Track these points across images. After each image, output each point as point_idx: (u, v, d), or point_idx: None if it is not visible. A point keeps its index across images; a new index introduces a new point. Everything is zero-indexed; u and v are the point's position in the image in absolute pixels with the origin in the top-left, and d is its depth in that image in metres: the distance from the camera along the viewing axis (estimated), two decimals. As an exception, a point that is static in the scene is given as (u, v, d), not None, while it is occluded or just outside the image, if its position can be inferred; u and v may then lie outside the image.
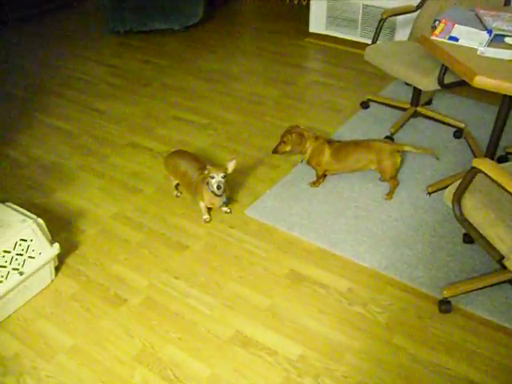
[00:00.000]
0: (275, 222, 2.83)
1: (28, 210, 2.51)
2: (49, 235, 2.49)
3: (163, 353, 2.19)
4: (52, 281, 2.56)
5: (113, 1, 5.20)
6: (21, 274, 2.35)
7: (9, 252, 2.30)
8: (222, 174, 2.62)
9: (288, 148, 2.98)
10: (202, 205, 2.83)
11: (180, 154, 2.94)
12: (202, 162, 2.83)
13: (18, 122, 3.96)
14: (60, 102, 4.20)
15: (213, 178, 2.62)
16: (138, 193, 3.12)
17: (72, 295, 2.49)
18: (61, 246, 2.52)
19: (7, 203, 2.56)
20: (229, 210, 2.92)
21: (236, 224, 2.85)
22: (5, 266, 2.30)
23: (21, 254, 2.35)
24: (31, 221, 2.41)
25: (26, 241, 2.36)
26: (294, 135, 2.94)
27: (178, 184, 3.02)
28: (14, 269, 2.33)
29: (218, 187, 2.62)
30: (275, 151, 3.00)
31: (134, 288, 2.50)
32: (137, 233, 2.82)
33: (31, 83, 4.55)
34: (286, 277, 2.52)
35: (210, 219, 2.87)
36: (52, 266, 2.53)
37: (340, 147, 2.97)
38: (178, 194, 3.07)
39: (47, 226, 2.48)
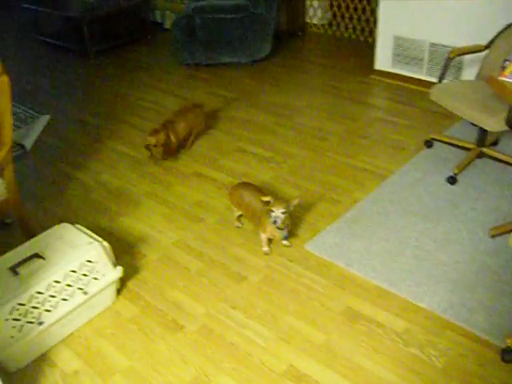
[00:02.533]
0: (334, 258, 2.83)
1: (95, 233, 2.62)
2: (113, 258, 2.59)
3: (216, 382, 2.21)
4: (113, 303, 2.64)
5: (184, 35, 5.41)
6: (85, 293, 2.44)
7: (75, 272, 2.40)
8: (282, 210, 2.64)
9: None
10: (264, 236, 2.86)
11: (245, 185, 3.00)
12: (266, 194, 2.87)
13: (90, 147, 4.15)
14: (129, 130, 4.37)
15: (273, 211, 2.65)
16: (199, 222, 3.19)
17: (131, 318, 2.56)
18: (123, 270, 2.60)
19: (76, 225, 2.68)
20: (289, 244, 2.94)
21: (295, 258, 2.86)
22: (71, 285, 2.39)
23: (86, 275, 2.45)
24: (97, 243, 2.51)
25: (91, 262, 2.45)
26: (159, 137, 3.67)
27: (240, 215, 3.07)
28: (78, 288, 2.43)
29: (275, 222, 2.65)
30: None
31: (192, 315, 2.55)
32: (197, 261, 2.88)
33: (103, 111, 4.77)
34: (342, 313, 2.50)
35: (270, 252, 2.90)
36: (114, 288, 2.61)
37: (172, 123, 3.81)
38: (239, 225, 3.11)
39: (111, 249, 2.58)
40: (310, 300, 2.59)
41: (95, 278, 2.49)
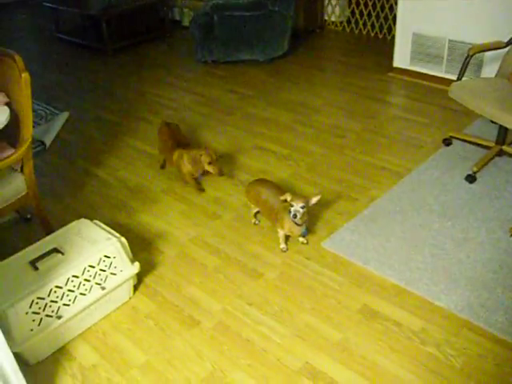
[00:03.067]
0: (351, 256, 2.82)
1: (113, 229, 2.64)
2: (130, 254, 2.61)
3: (232, 378, 2.22)
4: (130, 298, 2.66)
5: (203, 33, 5.43)
6: (103, 288, 2.46)
7: (93, 267, 2.43)
8: (301, 204, 2.64)
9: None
10: (281, 233, 2.86)
11: (262, 182, 3.01)
12: (283, 190, 2.88)
13: (108, 144, 4.18)
14: (147, 127, 4.40)
15: (292, 206, 2.65)
16: (217, 219, 3.20)
17: (148, 314, 2.57)
18: (140, 266, 2.62)
19: (95, 221, 2.71)
20: (306, 241, 2.94)
21: (312, 255, 2.86)
22: (89, 280, 2.42)
23: (104, 270, 2.47)
24: (115, 239, 2.53)
25: (109, 258, 2.47)
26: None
27: (257, 212, 3.08)
28: (96, 283, 2.45)
29: (294, 216, 2.65)
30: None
31: (208, 311, 2.56)
32: (214, 257, 2.89)
33: (122, 108, 4.80)
34: (358, 311, 2.50)
35: (287, 249, 2.90)
36: (131, 283, 2.63)
37: (179, 141, 3.54)
38: (257, 222, 3.12)
39: (129, 245, 2.60)
40: (327, 298, 2.59)
41: (113, 274, 2.51)
